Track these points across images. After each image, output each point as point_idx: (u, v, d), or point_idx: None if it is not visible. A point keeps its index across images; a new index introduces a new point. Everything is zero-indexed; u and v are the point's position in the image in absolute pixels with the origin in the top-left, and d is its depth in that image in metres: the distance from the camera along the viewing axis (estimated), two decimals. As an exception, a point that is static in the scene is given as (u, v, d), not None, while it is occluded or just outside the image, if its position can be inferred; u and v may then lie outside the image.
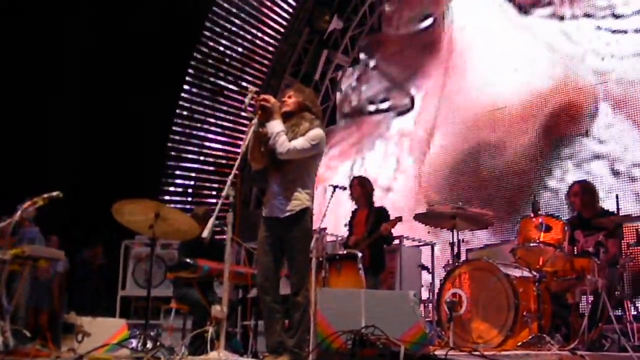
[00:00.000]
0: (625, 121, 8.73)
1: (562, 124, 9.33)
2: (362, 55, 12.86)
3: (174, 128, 12.38)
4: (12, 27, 9.78)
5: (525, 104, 9.79)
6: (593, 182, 6.78)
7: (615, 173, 8.61)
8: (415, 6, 12.12)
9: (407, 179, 11.28)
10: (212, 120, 12.74)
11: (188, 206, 11.91)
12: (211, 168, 12.75)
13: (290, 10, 12.76)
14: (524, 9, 10.31)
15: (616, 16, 9.18)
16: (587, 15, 9.50)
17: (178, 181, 12.54)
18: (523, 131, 9.72)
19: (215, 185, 12.55)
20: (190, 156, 12.65)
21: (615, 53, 9.04)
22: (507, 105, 10.00)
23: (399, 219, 6.94)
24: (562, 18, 9.78)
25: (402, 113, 11.82)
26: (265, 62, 12.97)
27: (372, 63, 12.68)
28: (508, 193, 9.62)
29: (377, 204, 7.37)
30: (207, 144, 12.77)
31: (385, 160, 11.76)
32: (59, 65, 10.32)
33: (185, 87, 12.33)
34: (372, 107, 12.41)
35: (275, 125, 4.53)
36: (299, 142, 4.53)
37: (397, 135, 11.78)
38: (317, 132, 4.63)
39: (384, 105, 12.24)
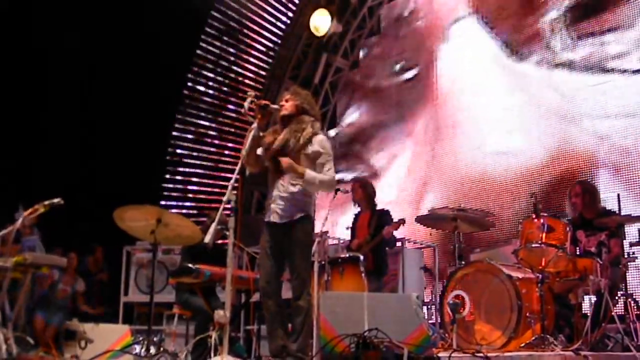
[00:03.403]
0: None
1: (557, 194, 8.53)
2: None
3: (174, 133, 12.38)
4: (12, 27, 9.78)
5: (517, 174, 9.17)
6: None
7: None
8: (392, 55, 11.66)
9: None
10: (212, 124, 12.74)
11: (185, 211, 11.93)
12: (212, 172, 12.75)
13: (290, 14, 12.77)
14: (519, 55, 9.60)
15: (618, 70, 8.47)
16: (586, 68, 8.79)
17: (179, 186, 12.54)
18: (513, 202, 9.09)
19: (216, 190, 12.55)
20: (190, 160, 12.64)
21: (612, 112, 8.39)
22: (497, 174, 9.39)
23: (402, 221, 6.94)
24: (557, 66, 9.09)
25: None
26: (265, 66, 12.98)
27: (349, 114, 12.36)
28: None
29: None
30: (206, 148, 12.77)
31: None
32: (58, 68, 10.31)
33: (185, 91, 12.34)
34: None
35: (310, 175, 4.56)
36: (329, 169, 4.63)
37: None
38: (326, 142, 4.71)
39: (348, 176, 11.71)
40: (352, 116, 12.36)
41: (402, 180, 10.96)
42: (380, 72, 11.88)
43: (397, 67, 11.57)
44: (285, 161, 4.53)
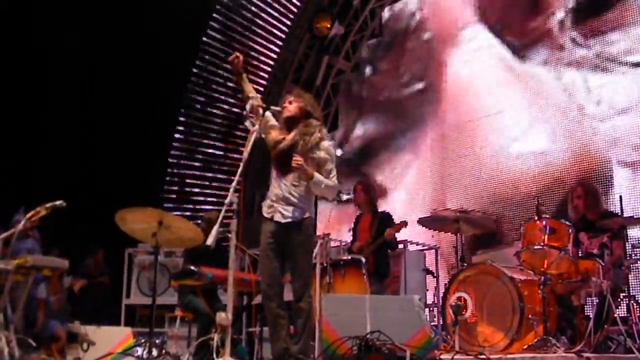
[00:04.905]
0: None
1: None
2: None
3: (175, 135, 12.39)
4: (12, 27, 9.77)
5: (537, 180, 9.06)
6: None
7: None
8: (400, 68, 11.57)
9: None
10: (213, 126, 12.74)
11: (188, 213, 11.93)
12: (213, 175, 12.74)
13: (291, 16, 12.78)
14: (526, 57, 9.67)
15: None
16: (594, 66, 8.86)
17: (179, 188, 12.53)
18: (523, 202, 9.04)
19: (218, 192, 12.55)
20: (192, 163, 12.65)
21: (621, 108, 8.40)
22: (514, 184, 9.31)
23: (404, 223, 6.93)
24: (568, 65, 9.13)
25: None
26: (267, 68, 12.99)
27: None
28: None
29: None
30: (209, 150, 12.77)
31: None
32: (58, 68, 10.30)
33: (187, 93, 12.35)
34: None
35: (318, 178, 4.58)
36: (333, 176, 4.68)
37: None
38: (332, 149, 4.78)
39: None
40: (358, 132, 12.17)
41: (414, 190, 10.84)
42: (388, 86, 11.75)
43: (406, 78, 11.45)
44: (298, 159, 4.52)
